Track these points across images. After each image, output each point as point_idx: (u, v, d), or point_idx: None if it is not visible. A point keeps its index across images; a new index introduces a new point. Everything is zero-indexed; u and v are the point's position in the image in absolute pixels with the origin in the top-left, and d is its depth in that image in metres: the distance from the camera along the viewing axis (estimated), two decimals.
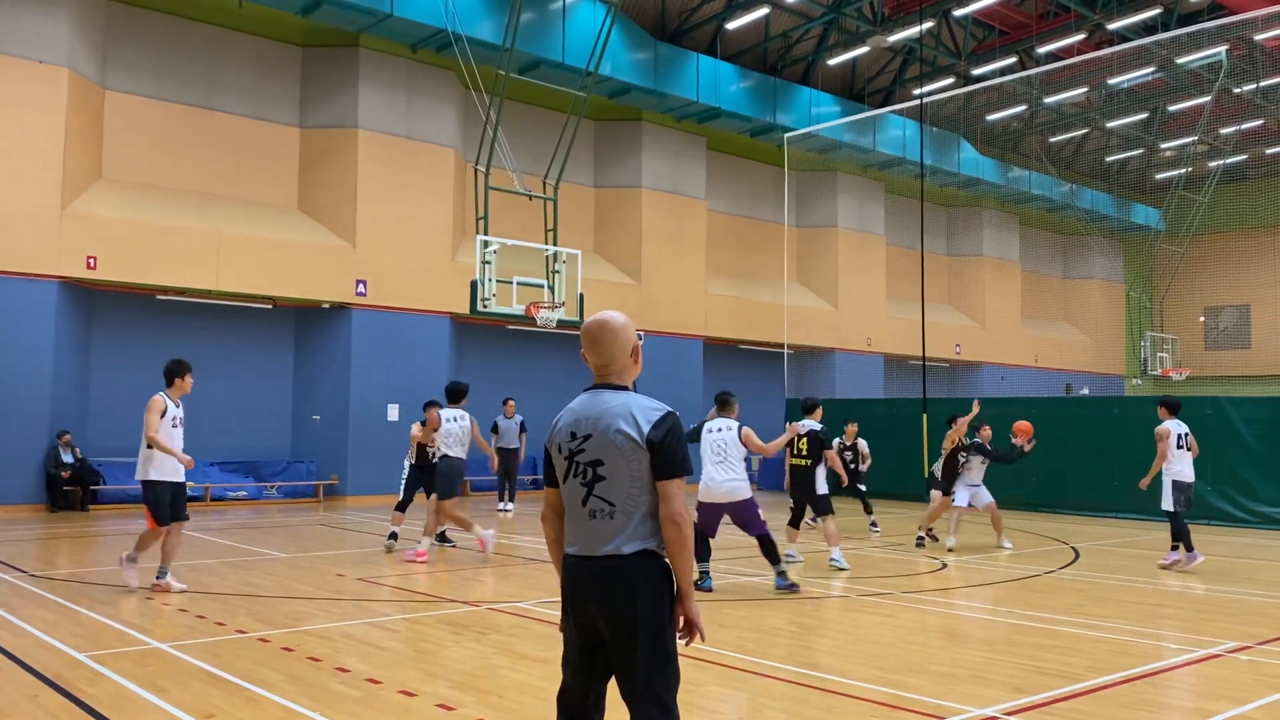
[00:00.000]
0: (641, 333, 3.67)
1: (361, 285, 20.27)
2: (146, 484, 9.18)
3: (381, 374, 20.40)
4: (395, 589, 9.83)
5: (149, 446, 9.21)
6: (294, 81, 20.77)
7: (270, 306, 20.50)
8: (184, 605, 8.60)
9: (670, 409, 3.41)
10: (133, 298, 18.89)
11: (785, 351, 25.95)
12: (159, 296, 19.06)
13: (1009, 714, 5.59)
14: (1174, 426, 11.75)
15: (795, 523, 11.90)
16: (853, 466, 15.51)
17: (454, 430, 11.88)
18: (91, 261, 17.39)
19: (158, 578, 9.25)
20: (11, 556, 11.64)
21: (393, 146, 20.78)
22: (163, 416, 9.36)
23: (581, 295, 19.35)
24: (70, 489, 17.03)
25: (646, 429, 3.32)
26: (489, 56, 20.20)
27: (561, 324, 19.24)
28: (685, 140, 26.16)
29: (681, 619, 3.40)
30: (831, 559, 11.36)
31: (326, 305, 20.41)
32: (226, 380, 19.84)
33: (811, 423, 11.56)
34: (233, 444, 19.90)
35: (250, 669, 6.36)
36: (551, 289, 19.08)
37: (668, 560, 3.38)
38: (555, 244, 19.86)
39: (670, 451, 3.32)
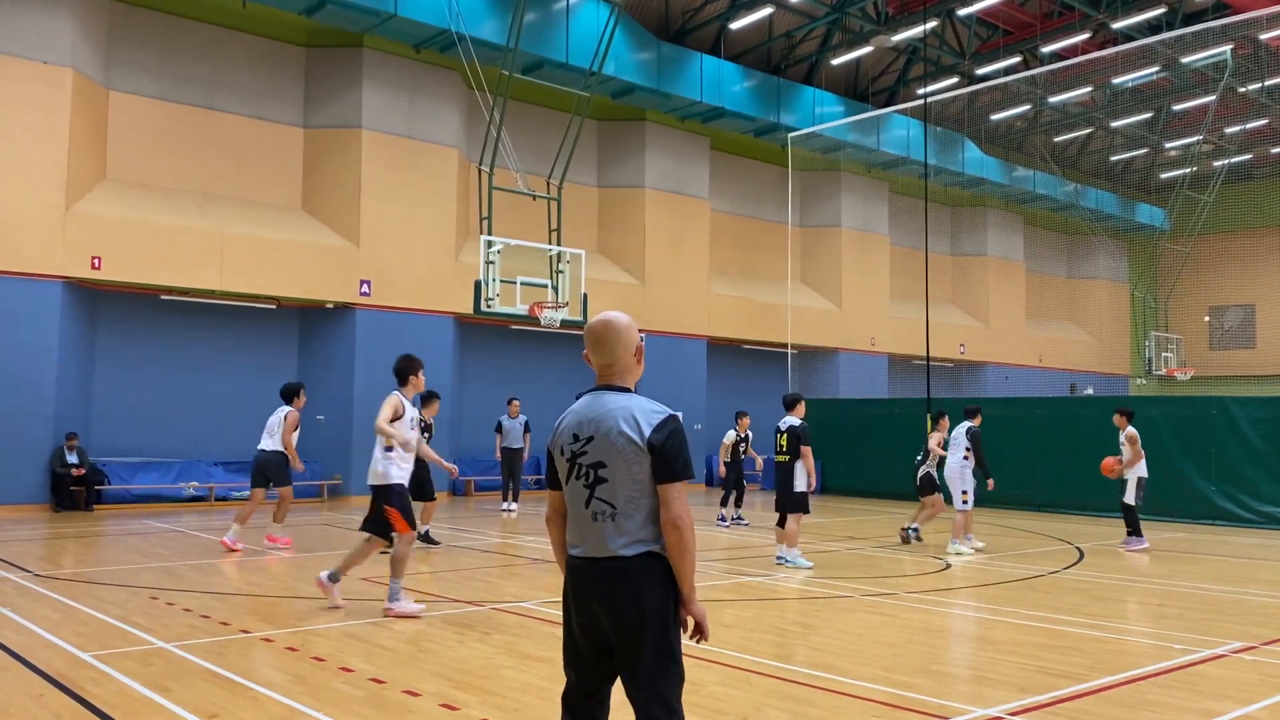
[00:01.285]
0: (643, 334, 3.66)
1: (365, 285, 20.29)
2: (389, 488, 8.40)
3: (385, 374, 20.29)
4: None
5: (388, 449, 8.49)
6: (298, 82, 20.80)
7: (274, 307, 20.52)
8: (188, 605, 8.61)
9: (672, 412, 3.40)
10: (137, 298, 18.92)
11: (789, 351, 25.93)
12: (163, 297, 19.10)
13: (1013, 714, 5.58)
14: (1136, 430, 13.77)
15: (782, 522, 11.69)
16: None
17: (270, 424, 12.73)
18: (96, 262, 17.42)
19: (391, 600, 8.33)
20: (16, 556, 11.66)
21: (396, 146, 20.80)
22: (399, 418, 8.73)
23: (585, 295, 19.37)
24: (75, 489, 17.07)
25: (648, 432, 3.31)
26: (493, 57, 20.21)
27: (565, 324, 19.26)
28: (689, 140, 26.16)
29: (689, 620, 3.41)
30: (779, 557, 11.41)
31: (330, 305, 20.43)
32: (231, 380, 19.88)
33: (792, 419, 11.56)
34: (237, 444, 19.89)
35: (254, 669, 6.37)
36: (555, 289, 19.10)
37: (665, 559, 3.38)
38: (559, 244, 19.88)
39: (671, 455, 3.32)
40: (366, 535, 8.49)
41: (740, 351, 28.26)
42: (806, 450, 11.59)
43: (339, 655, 6.79)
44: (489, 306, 18.13)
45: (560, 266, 19.26)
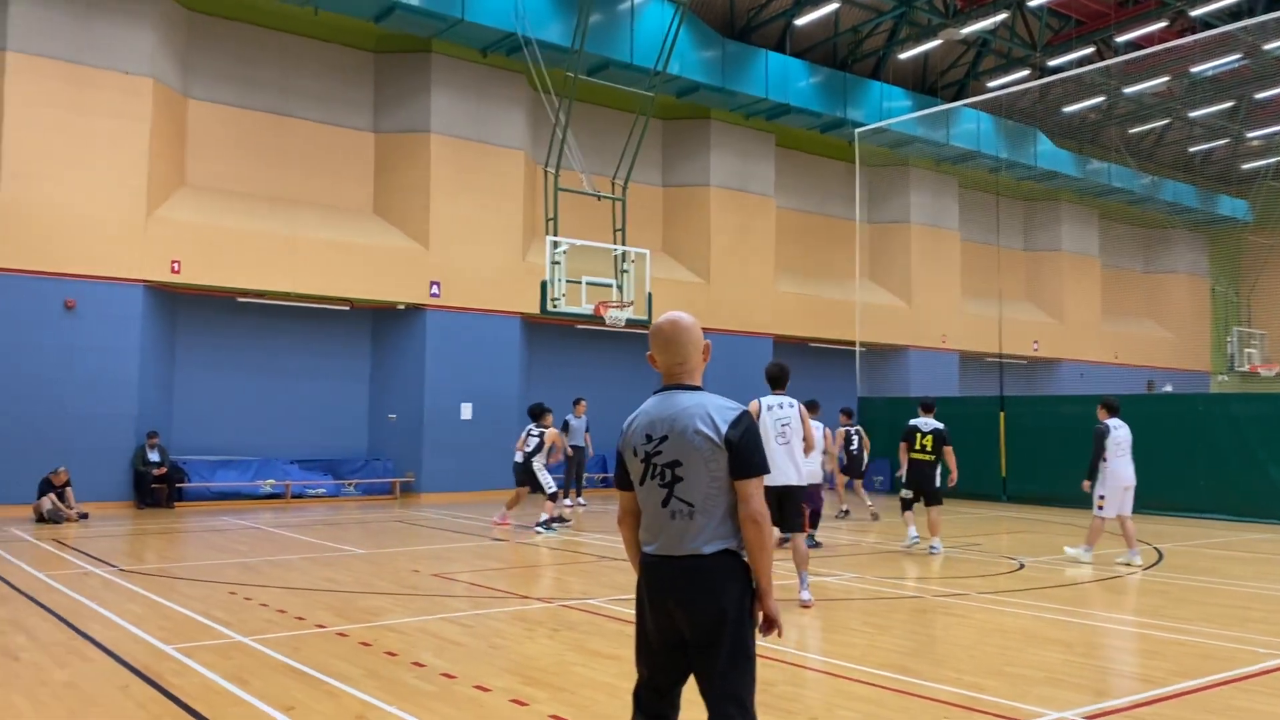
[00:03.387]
0: (706, 333, 3.70)
1: (435, 286, 20.58)
2: (807, 489, 9.33)
3: (454, 373, 20.69)
4: (470, 585, 9.96)
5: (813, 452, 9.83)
6: (368, 87, 21.16)
7: (347, 308, 20.92)
8: (265, 600, 8.82)
9: (745, 408, 3.42)
10: (215, 300, 19.43)
11: (857, 350, 25.67)
12: (240, 299, 19.58)
13: (1089, 718, 5.47)
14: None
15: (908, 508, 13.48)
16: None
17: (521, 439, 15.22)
18: (175, 265, 17.93)
19: (803, 590, 8.76)
20: (103, 552, 12.06)
21: (464, 149, 21.05)
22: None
23: (650, 294, 19.40)
24: (157, 487, 17.58)
25: (724, 429, 3.33)
26: (558, 59, 20.35)
27: (630, 323, 19.31)
28: (754, 137, 26.04)
29: (761, 616, 3.43)
30: (932, 547, 12.55)
31: (401, 306, 20.76)
32: (305, 381, 20.32)
33: (934, 421, 13.42)
34: (312, 443, 20.36)
35: (329, 663, 6.51)
36: (620, 288, 19.16)
37: (747, 559, 3.40)
38: (623, 244, 19.93)
39: (748, 451, 3.34)
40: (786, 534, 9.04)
41: (806, 350, 28.05)
42: (949, 449, 13.23)
43: (411, 650, 6.91)
44: (555, 306, 18.26)
45: (625, 266, 19.31)
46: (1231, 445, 17.95)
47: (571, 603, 8.87)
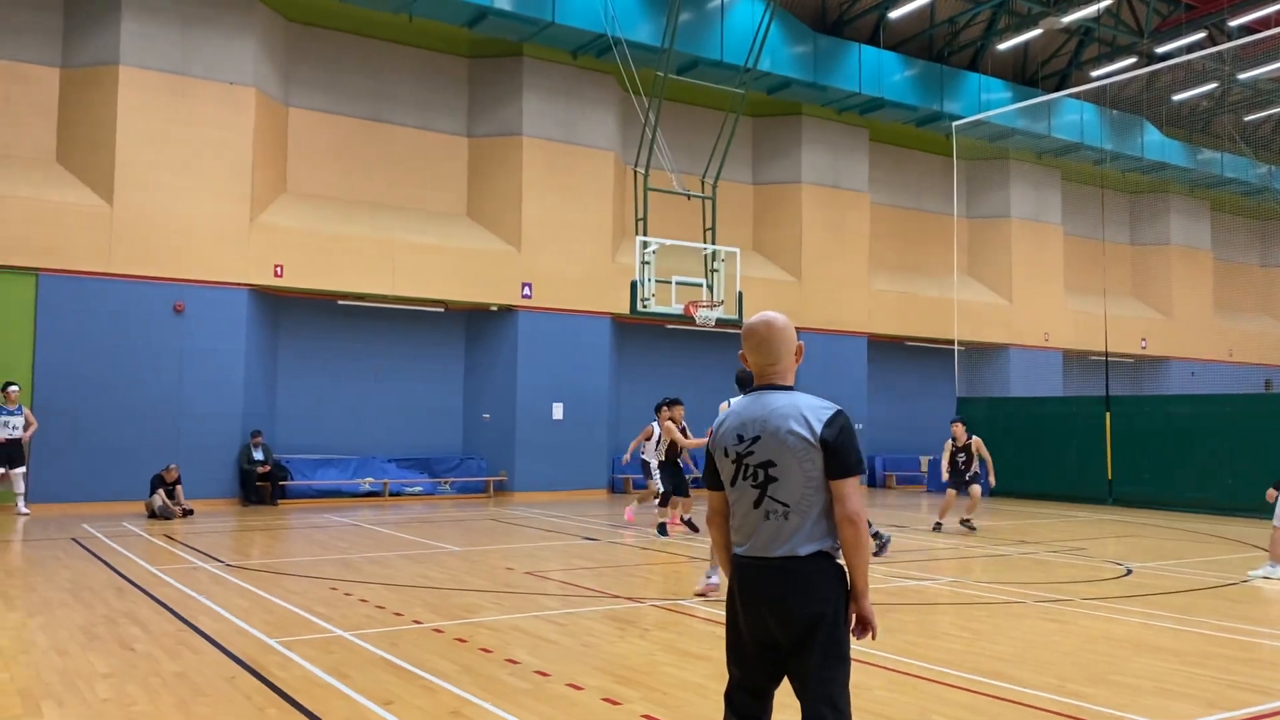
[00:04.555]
0: (799, 332, 3.68)
1: (527, 288, 20.80)
2: None
3: (546, 374, 20.89)
4: (562, 584, 10.03)
5: None
6: (461, 92, 21.50)
7: (442, 310, 21.29)
8: (364, 596, 9.01)
9: (840, 407, 3.39)
10: (315, 303, 19.97)
11: (956, 348, 25.11)
12: (339, 302, 20.08)
13: None
14: None
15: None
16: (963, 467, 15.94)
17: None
18: (278, 270, 18.48)
19: None
20: (210, 547, 12.49)
21: (555, 152, 21.24)
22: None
23: (740, 293, 19.29)
24: (261, 484, 18.15)
25: (819, 428, 3.30)
26: (647, 59, 20.37)
27: (720, 322, 19.23)
28: (846, 132, 25.69)
29: (854, 617, 3.40)
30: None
31: (494, 308, 21.04)
32: (402, 381, 20.75)
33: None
34: (408, 442, 20.78)
35: (426, 658, 6.61)
36: (710, 288, 19.09)
37: (841, 560, 3.38)
38: (713, 242, 19.85)
39: (845, 450, 3.31)
40: None
41: (903, 349, 27.56)
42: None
43: (505, 647, 6.97)
44: (645, 306, 18.29)
45: (715, 265, 19.24)
46: None
47: (663, 603, 8.86)
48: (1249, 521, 17.00)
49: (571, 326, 21.22)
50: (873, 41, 25.12)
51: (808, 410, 3.35)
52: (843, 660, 3.33)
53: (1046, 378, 28.31)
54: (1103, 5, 24.77)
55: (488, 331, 21.43)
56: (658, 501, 14.65)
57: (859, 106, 24.78)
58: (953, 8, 26.08)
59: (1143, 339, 31.56)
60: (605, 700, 5.68)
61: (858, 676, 6.32)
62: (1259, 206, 35.36)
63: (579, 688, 5.94)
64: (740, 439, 3.42)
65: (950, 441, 15.74)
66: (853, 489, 3.31)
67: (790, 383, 3.53)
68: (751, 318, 3.58)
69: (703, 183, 20.63)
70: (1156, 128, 30.07)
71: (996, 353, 28.25)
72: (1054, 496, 21.15)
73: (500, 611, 8.37)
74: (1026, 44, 27.84)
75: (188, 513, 15.99)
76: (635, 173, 19.67)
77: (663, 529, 14.12)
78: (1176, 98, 29.52)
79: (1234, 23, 25.37)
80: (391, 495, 19.65)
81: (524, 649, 6.95)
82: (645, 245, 18.29)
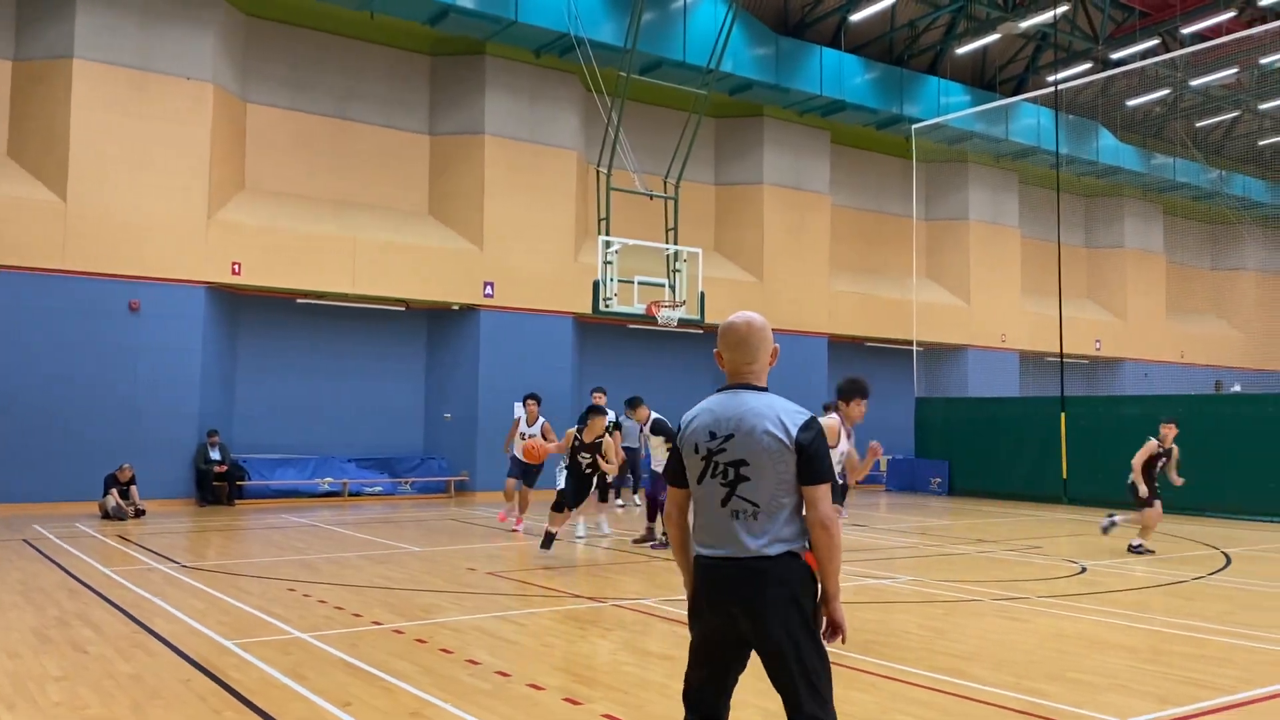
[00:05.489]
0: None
1: (489, 287, 20.72)
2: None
3: (508, 373, 20.81)
4: (523, 584, 10.00)
5: None
6: (423, 90, 21.37)
7: (403, 309, 21.15)
8: (323, 597, 8.93)
9: (814, 413, 3.42)
10: (274, 301, 19.75)
11: (915, 349, 25.37)
12: (299, 300, 19.88)
13: None
14: None
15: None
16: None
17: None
18: (236, 267, 18.26)
19: None
20: (165, 548, 12.31)
21: (517, 151, 21.17)
22: None
23: (702, 294, 19.34)
24: (218, 484, 17.91)
25: (795, 432, 3.31)
26: (610, 58, 20.37)
27: (682, 322, 19.26)
28: (808, 134, 25.84)
29: (825, 620, 3.42)
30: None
31: (456, 307, 20.93)
32: (362, 380, 20.59)
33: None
34: (368, 441, 20.62)
35: (385, 659, 6.56)
36: (672, 288, 19.11)
37: (809, 561, 3.38)
38: (676, 243, 19.88)
39: (819, 456, 3.33)
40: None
41: (863, 349, 27.77)
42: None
43: (466, 648, 6.94)
44: (607, 306, 18.28)
45: (677, 265, 19.26)
46: None
47: (624, 603, 8.86)
48: (1201, 520, 17.34)
49: (534, 326, 21.17)
50: (834, 44, 25.29)
51: (784, 413, 3.36)
52: (823, 657, 3.35)
53: (1003, 378, 28.66)
54: (1059, 11, 25.12)
55: (449, 330, 21.32)
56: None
57: (820, 108, 24.94)
58: (913, 11, 26.33)
59: (1097, 340, 32.06)
60: (566, 700, 5.67)
61: None
62: (1210, 211, 36.07)
63: (540, 688, 5.93)
64: (713, 436, 3.41)
65: (1155, 444, 12.97)
66: (825, 495, 3.32)
67: (764, 384, 3.53)
68: (732, 316, 3.58)
69: (665, 183, 20.67)
70: (1111, 132, 30.55)
71: (954, 353, 28.57)
72: (1010, 495, 21.42)
73: (461, 612, 8.33)
74: (985, 48, 28.18)
75: (140, 513, 15.75)
76: (598, 172, 19.66)
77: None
78: (1130, 103, 30.01)
79: (1186, 30, 25.83)
80: (351, 495, 19.48)
81: (484, 649, 6.92)
82: (608, 245, 18.28)
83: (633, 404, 13.91)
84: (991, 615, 8.59)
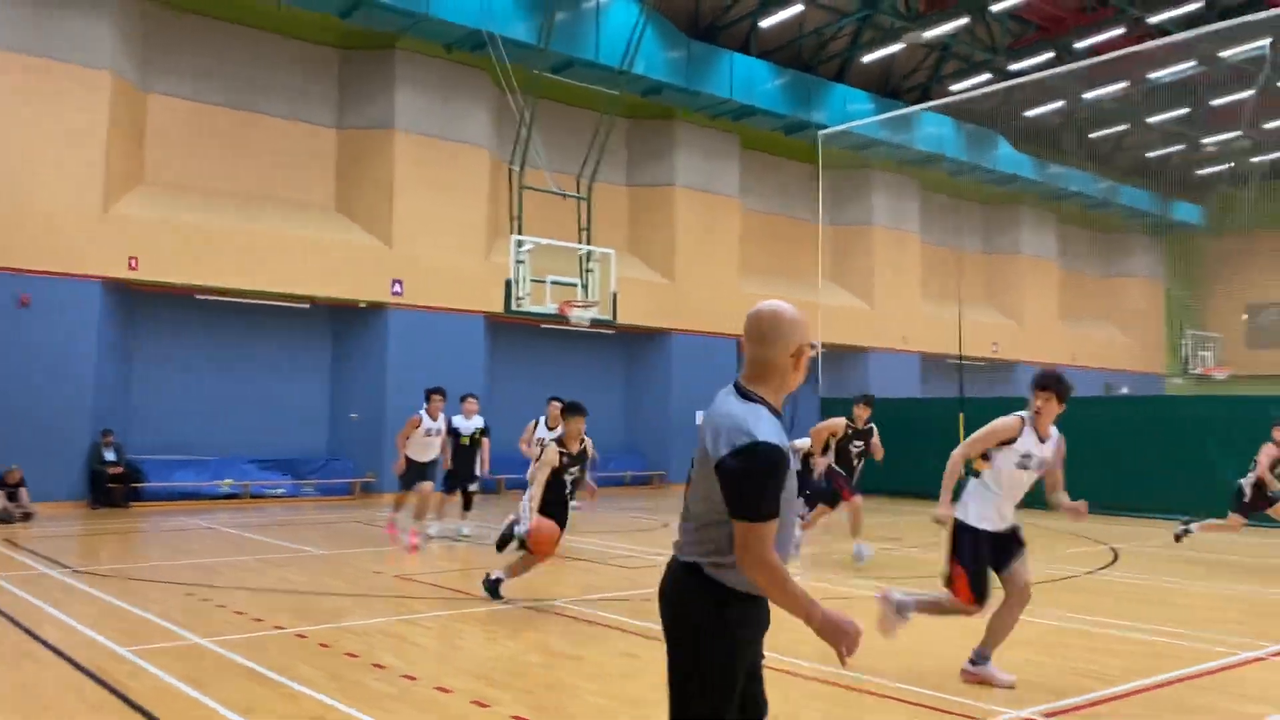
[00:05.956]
0: (817, 342, 3.22)
1: (397, 285, 20.42)
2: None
3: (417, 372, 20.50)
4: (431, 586, 9.90)
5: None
6: (332, 83, 20.97)
7: (308, 306, 20.71)
8: (223, 601, 8.70)
9: (763, 440, 2.91)
10: (174, 298, 19.15)
11: (819, 351, 25.80)
12: (199, 296, 19.32)
13: (1047, 716, 5.54)
14: None
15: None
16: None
17: None
18: (133, 262, 17.64)
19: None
20: (56, 552, 11.84)
21: (428, 147, 20.92)
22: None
23: (615, 294, 19.40)
24: (113, 486, 17.30)
25: (724, 451, 2.93)
26: (523, 56, 20.27)
27: (595, 323, 19.30)
28: (719, 138, 26.11)
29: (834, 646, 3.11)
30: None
31: (363, 305, 20.59)
32: (265, 379, 20.11)
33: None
34: (271, 442, 20.14)
35: (288, 665, 6.43)
36: (585, 288, 19.14)
37: (720, 577, 3.07)
38: (588, 243, 19.91)
39: (737, 488, 2.92)
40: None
41: None
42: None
43: (371, 652, 6.84)
44: (519, 306, 18.21)
45: (590, 265, 19.30)
46: (1185, 447, 18.27)
47: (533, 603, 8.84)
48: (1091, 518, 18.00)
49: (444, 324, 20.93)
50: (744, 49, 25.59)
51: (731, 430, 2.96)
52: (689, 681, 3.09)
53: (905, 380, 29.36)
54: (961, 23, 25.83)
55: (356, 328, 20.96)
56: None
57: (730, 113, 25.22)
58: (820, 19, 26.79)
59: (994, 343, 33.07)
60: (475, 703, 5.64)
61: None
62: (1101, 219, 37.51)
63: (448, 690, 5.88)
64: (701, 437, 3.15)
65: (1276, 450, 12.17)
66: (749, 533, 2.92)
67: (763, 390, 3.11)
68: (762, 304, 3.19)
69: (578, 183, 20.69)
70: (1009, 142, 31.55)
71: (858, 355, 29.16)
72: (913, 494, 21.95)
73: (366, 615, 8.21)
74: (890, 57, 28.82)
75: (28, 516, 15.12)
76: (510, 170, 19.57)
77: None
78: (1027, 114, 31.01)
79: (1080, 44, 26.80)
80: (252, 497, 18.99)
81: (390, 653, 6.84)
82: (520, 244, 18.21)
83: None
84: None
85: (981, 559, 6.16)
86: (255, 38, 20.02)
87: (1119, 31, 25.91)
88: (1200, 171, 37.44)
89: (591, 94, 21.88)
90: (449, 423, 13.43)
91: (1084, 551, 13.39)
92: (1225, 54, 26.42)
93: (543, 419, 13.07)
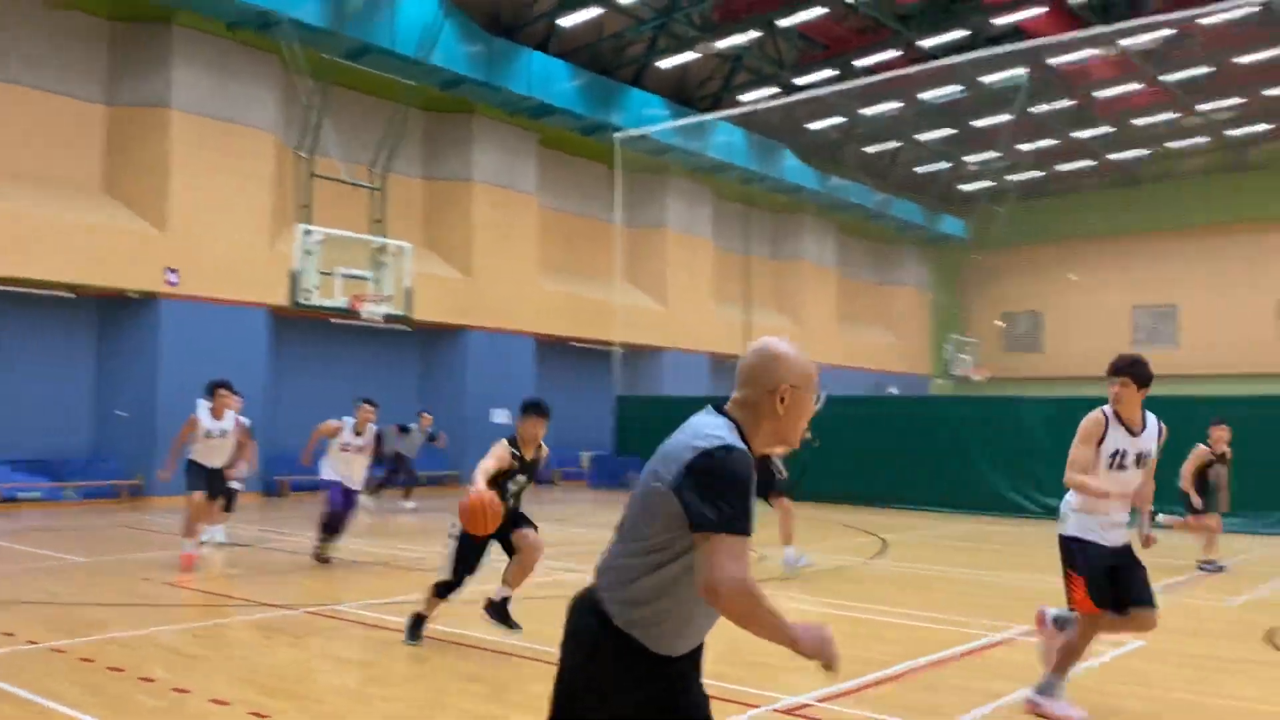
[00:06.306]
0: (823, 395, 2.91)
1: (172, 274, 19.22)
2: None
3: (193, 368, 19.34)
4: (205, 593, 9.40)
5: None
6: (100, 56, 19.47)
7: (72, 296, 19.17)
8: None
9: (723, 442, 2.53)
10: None
11: (616, 350, 26.22)
12: None
13: (821, 700, 5.85)
14: None
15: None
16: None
17: None
18: None
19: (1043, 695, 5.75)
20: None
21: (208, 128, 19.78)
22: None
23: (409, 289, 18.98)
24: None
25: (687, 456, 2.52)
26: (314, 40, 19.50)
27: (389, 318, 18.83)
28: (517, 135, 26.01)
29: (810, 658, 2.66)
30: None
31: (133, 295, 19.23)
32: (22, 374, 18.46)
33: None
34: (27, 442, 18.52)
35: (43, 682, 5.96)
36: (377, 282, 18.63)
37: (642, 646, 2.59)
38: (383, 235, 19.40)
39: (698, 495, 2.47)
40: None
41: (569, 349, 28.33)
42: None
43: (139, 665, 6.43)
44: (306, 299, 17.52)
45: (383, 259, 18.80)
46: (947, 443, 19.70)
47: (316, 608, 8.55)
48: (862, 510, 19.11)
49: (224, 317, 19.83)
50: (544, 48, 25.61)
51: (697, 435, 2.57)
52: None
53: (696, 379, 30.23)
54: (751, 37, 26.81)
55: (125, 320, 19.56)
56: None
57: (529, 110, 25.18)
58: (619, 23, 27.15)
59: None
60: (253, 714, 5.41)
61: (511, 670, 6.47)
62: (876, 230, 39.85)
63: (224, 703, 5.61)
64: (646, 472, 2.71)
65: (1205, 449, 11.77)
66: (714, 550, 2.43)
67: (739, 416, 2.68)
68: (763, 337, 2.87)
69: (371, 173, 20.11)
70: (795, 154, 33.01)
71: (652, 355, 29.78)
72: None
73: (133, 626, 7.71)
74: (685, 65, 29.56)
75: None
76: (299, 157, 18.79)
77: None
78: (811, 127, 32.54)
79: (859, 63, 28.34)
80: (5, 502, 17.39)
81: (161, 665, 6.45)
82: (308, 234, 17.52)
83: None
84: None
85: (1096, 566, 5.56)
86: (15, 2, 18.36)
87: (895, 53, 27.57)
88: (963, 188, 40.40)
89: (388, 83, 21.31)
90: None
91: (855, 542, 14.18)
92: (987, 79, 28.59)
93: (349, 421, 11.70)
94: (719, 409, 2.69)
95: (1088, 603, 5.53)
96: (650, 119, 27.13)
